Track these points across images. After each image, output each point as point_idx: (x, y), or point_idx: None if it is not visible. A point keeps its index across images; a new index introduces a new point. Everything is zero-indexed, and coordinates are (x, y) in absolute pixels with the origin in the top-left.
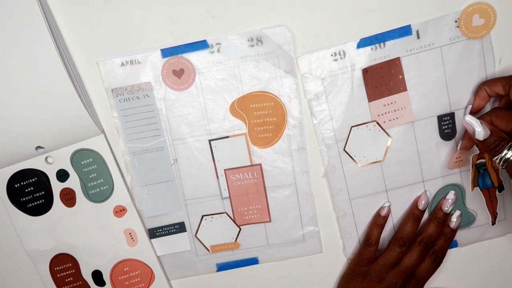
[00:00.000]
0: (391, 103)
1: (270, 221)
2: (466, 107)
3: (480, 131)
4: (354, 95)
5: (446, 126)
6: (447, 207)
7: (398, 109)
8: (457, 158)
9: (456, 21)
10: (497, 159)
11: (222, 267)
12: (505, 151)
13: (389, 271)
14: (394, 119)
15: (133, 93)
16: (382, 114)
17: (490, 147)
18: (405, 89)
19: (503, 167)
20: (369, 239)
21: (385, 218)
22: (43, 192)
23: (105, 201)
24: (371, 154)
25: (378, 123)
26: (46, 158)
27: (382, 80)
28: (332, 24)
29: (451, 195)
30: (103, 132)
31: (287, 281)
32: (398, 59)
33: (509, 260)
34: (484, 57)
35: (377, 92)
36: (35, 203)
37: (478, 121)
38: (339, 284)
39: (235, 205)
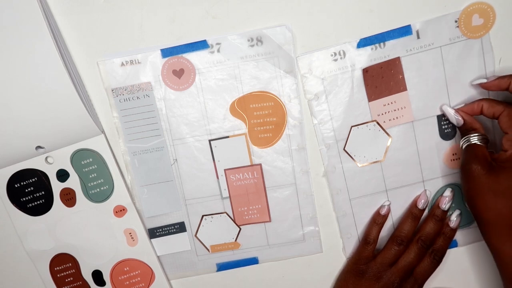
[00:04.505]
0: (391, 103)
1: (270, 221)
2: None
3: (453, 119)
4: (354, 95)
5: (446, 125)
6: (444, 204)
7: (398, 109)
8: (453, 154)
9: (456, 21)
10: (462, 140)
11: (222, 267)
12: (471, 136)
13: (387, 269)
14: (394, 119)
15: (133, 93)
16: (382, 114)
17: (462, 132)
18: (405, 89)
19: (463, 147)
20: (368, 238)
21: (385, 217)
22: (43, 192)
23: (105, 201)
24: (371, 154)
25: (378, 123)
26: (46, 158)
27: (382, 80)
28: (332, 24)
29: (447, 193)
30: (103, 132)
31: (287, 281)
32: (398, 59)
33: None
34: (484, 57)
35: (377, 92)
36: (35, 203)
37: (452, 110)
38: (337, 282)
39: (235, 205)
